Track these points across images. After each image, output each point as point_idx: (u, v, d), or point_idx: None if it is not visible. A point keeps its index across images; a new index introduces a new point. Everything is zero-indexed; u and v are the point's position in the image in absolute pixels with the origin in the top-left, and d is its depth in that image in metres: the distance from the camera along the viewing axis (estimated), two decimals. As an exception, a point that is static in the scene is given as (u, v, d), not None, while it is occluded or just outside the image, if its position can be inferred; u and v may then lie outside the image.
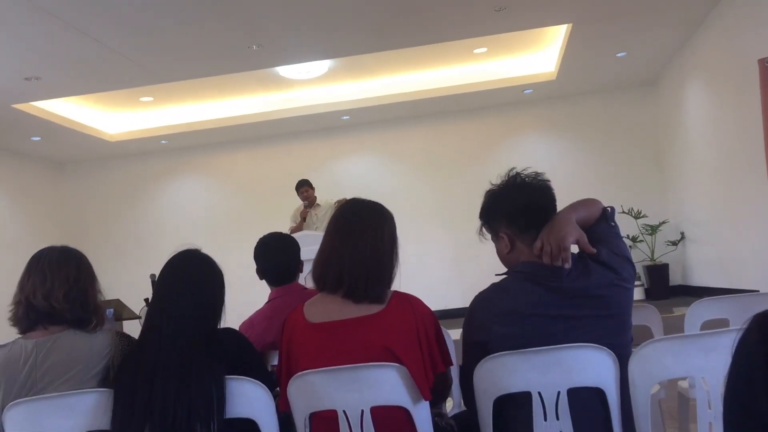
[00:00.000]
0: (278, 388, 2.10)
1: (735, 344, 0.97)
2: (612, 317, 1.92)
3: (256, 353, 2.31)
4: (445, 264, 9.61)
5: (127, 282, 7.29)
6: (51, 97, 7.59)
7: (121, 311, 5.86)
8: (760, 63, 5.52)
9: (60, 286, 2.12)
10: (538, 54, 8.50)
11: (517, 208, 2.04)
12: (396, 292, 2.05)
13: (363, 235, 2.04)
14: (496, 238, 2.10)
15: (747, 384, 0.91)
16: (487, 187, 2.14)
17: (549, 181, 2.09)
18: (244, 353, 2.19)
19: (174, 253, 2.22)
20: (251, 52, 6.68)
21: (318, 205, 7.80)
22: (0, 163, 9.08)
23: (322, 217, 7.61)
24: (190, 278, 2.16)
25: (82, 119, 8.73)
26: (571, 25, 6.90)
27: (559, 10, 6.45)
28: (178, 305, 2.09)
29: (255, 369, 2.13)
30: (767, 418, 0.87)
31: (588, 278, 1.93)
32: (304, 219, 7.73)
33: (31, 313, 2.13)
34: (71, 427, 1.99)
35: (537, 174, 2.09)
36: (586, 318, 1.89)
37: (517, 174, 2.10)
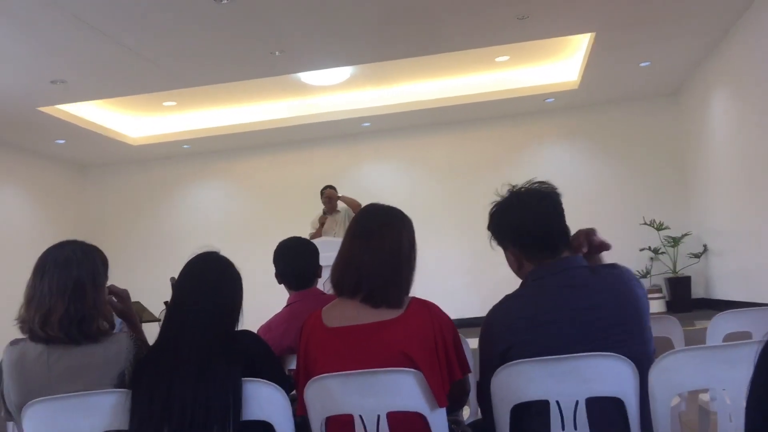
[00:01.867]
0: (294, 392, 2.10)
1: (757, 354, 0.95)
2: (627, 321, 1.90)
3: (274, 356, 2.31)
4: (463, 272, 9.57)
5: (147, 285, 7.34)
6: (76, 101, 7.69)
7: (141, 314, 5.91)
8: (786, 74, 5.45)
9: (55, 312, 2.08)
10: (561, 63, 8.46)
11: (520, 231, 2.03)
12: (414, 298, 2.04)
13: (382, 240, 2.04)
14: (505, 253, 2.10)
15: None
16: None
17: (551, 192, 2.05)
18: (261, 356, 2.20)
19: (192, 256, 2.23)
20: (274, 58, 6.72)
21: (337, 211, 7.80)
22: (24, 165, 9.21)
23: (340, 222, 7.62)
24: (209, 280, 2.16)
25: (105, 123, 8.82)
26: (594, 33, 6.87)
27: (583, 19, 6.42)
28: (197, 307, 2.10)
29: (272, 372, 2.13)
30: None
31: (600, 278, 1.93)
32: (323, 225, 7.73)
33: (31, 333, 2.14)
34: (90, 427, 2.00)
35: (540, 190, 2.04)
36: (603, 321, 1.88)
37: (517, 192, 2.06)
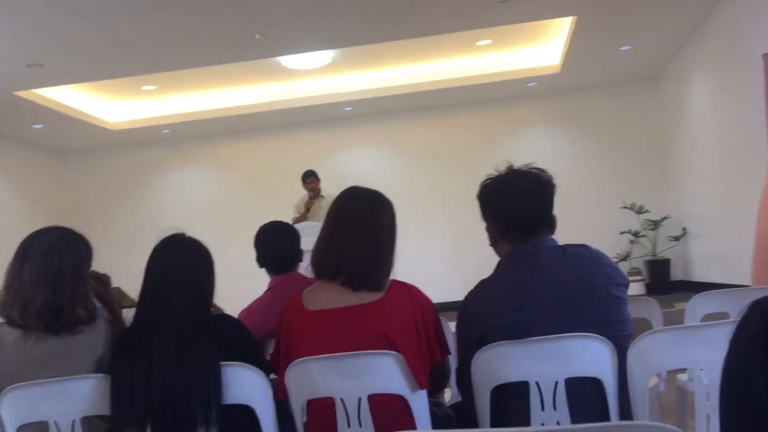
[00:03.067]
0: (274, 376, 2.10)
1: (732, 333, 0.96)
2: (603, 300, 1.91)
3: (253, 339, 2.30)
4: (445, 256, 9.60)
5: (128, 271, 7.27)
6: (53, 85, 7.58)
7: (122, 300, 5.87)
8: (764, 58, 5.49)
9: (34, 303, 2.05)
10: (543, 47, 8.46)
11: (502, 212, 2.04)
12: (395, 281, 2.05)
13: (362, 223, 2.03)
14: (486, 225, 2.11)
15: (744, 375, 0.90)
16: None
17: (548, 180, 2.04)
18: (240, 339, 2.19)
19: (160, 239, 2.19)
20: (254, 42, 6.66)
21: (322, 197, 7.80)
22: (1, 151, 9.08)
23: (324, 207, 7.61)
24: (179, 262, 2.14)
25: (84, 107, 8.71)
26: (575, 17, 6.87)
27: (564, 2, 6.42)
28: (169, 291, 2.08)
29: (251, 355, 2.12)
30: (764, 410, 0.86)
31: (571, 258, 1.95)
32: (308, 210, 7.73)
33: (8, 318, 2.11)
34: (68, 412, 1.99)
35: (534, 175, 2.03)
36: (575, 301, 1.89)
37: (513, 172, 2.05)
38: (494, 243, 2.09)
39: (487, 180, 2.09)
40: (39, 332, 2.08)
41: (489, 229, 2.08)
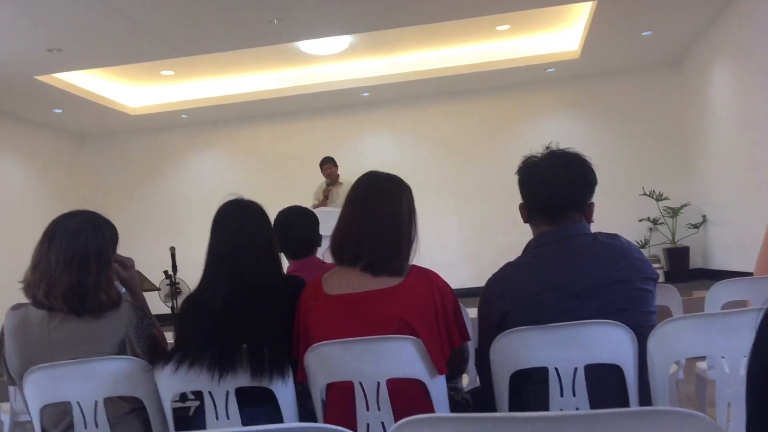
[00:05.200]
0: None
1: (759, 321, 0.95)
2: (629, 292, 1.90)
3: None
4: (462, 242, 9.59)
5: (147, 254, 7.34)
6: (73, 69, 7.62)
7: (141, 283, 5.91)
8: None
9: (60, 284, 2.08)
10: (562, 32, 8.38)
11: (532, 191, 2.03)
12: (415, 266, 2.04)
13: (382, 207, 2.03)
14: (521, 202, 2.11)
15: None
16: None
17: (587, 168, 2.01)
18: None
19: (222, 203, 2.28)
20: (272, 27, 6.65)
21: (340, 183, 7.80)
22: (22, 135, 9.16)
23: (343, 194, 7.61)
24: (241, 224, 2.19)
25: (103, 92, 8.77)
26: (596, 2, 6.79)
27: (584, -13, 6.35)
28: (235, 252, 2.13)
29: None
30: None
31: (601, 246, 1.93)
32: (326, 197, 7.73)
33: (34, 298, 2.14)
34: (91, 393, 2.02)
35: (574, 160, 2.00)
36: (600, 291, 1.88)
37: (553, 154, 2.02)
38: (526, 221, 2.08)
39: (528, 157, 2.06)
40: (63, 314, 2.10)
41: (522, 206, 2.08)
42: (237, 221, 2.20)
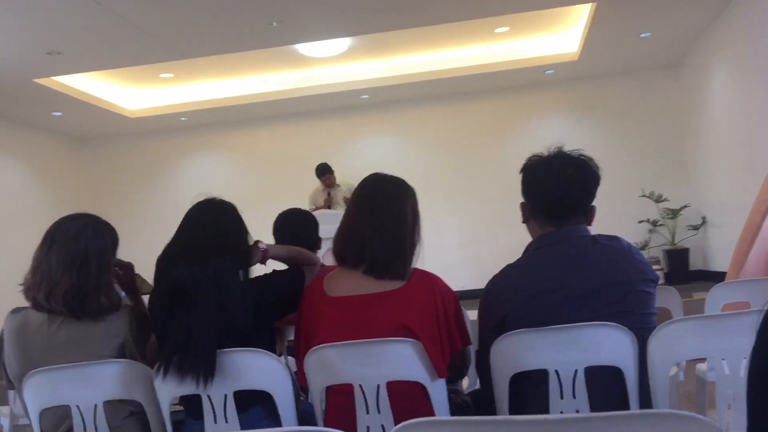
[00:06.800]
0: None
1: (759, 322, 0.95)
2: (629, 294, 1.90)
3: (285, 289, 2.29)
4: (461, 245, 9.57)
5: (145, 257, 7.33)
6: (72, 72, 7.62)
7: (141, 286, 5.91)
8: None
9: (60, 286, 2.08)
10: (561, 34, 8.38)
11: (535, 191, 2.03)
12: (417, 270, 2.04)
13: (386, 211, 2.02)
14: (522, 201, 2.10)
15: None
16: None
17: (592, 170, 1.99)
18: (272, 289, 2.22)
19: (193, 203, 2.29)
20: (271, 29, 6.65)
21: (337, 185, 7.80)
22: (21, 138, 9.16)
23: (340, 196, 7.62)
24: (211, 223, 2.23)
25: (102, 95, 8.76)
26: (595, 4, 6.79)
27: (583, -11, 6.35)
28: (199, 250, 2.12)
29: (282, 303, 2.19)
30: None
31: (601, 249, 1.93)
32: (328, 207, 7.74)
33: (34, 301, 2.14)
34: (91, 397, 2.01)
35: (578, 162, 1.99)
36: (601, 292, 1.87)
37: (558, 155, 2.02)
38: (526, 221, 2.07)
39: (533, 156, 2.06)
40: (63, 317, 2.10)
41: (523, 205, 2.07)
42: (204, 216, 2.26)
